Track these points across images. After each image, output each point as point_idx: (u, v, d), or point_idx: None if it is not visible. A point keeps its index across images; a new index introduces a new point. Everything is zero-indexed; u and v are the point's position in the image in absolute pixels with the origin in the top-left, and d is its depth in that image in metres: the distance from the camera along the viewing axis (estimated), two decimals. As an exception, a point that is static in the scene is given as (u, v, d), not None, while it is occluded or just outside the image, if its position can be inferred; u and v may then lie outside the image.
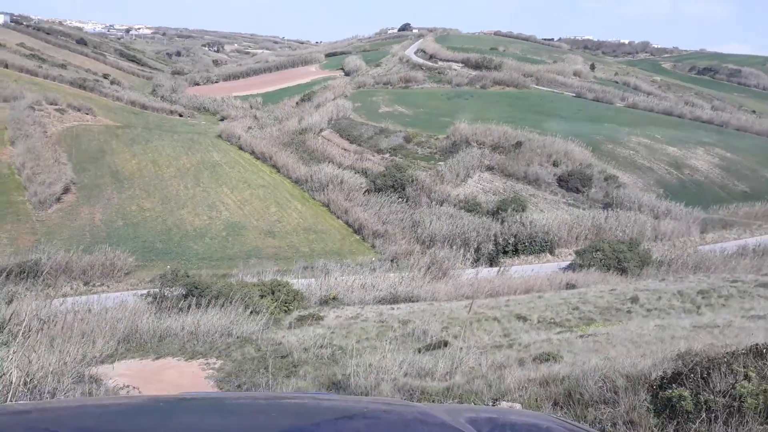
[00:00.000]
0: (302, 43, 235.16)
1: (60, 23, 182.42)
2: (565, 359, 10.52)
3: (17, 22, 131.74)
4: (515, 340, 14.41)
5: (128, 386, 11.79)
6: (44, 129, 54.14)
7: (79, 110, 62.61)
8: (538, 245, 42.17)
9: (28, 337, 14.24)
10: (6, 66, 78.23)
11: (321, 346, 14.72)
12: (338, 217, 47.08)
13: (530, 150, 56.75)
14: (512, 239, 41.20)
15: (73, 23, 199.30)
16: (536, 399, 5.59)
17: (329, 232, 45.04)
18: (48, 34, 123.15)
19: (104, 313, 22.66)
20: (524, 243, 41.59)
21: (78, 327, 18.94)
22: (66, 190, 43.63)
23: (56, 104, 61.11)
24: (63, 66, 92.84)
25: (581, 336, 14.34)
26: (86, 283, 32.60)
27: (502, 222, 42.45)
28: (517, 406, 5.58)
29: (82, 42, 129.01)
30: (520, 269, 37.01)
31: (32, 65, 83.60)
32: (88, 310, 24.52)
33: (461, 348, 13.36)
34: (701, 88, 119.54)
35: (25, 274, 29.78)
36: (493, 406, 5.81)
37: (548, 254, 42.59)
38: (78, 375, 11.34)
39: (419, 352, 13.45)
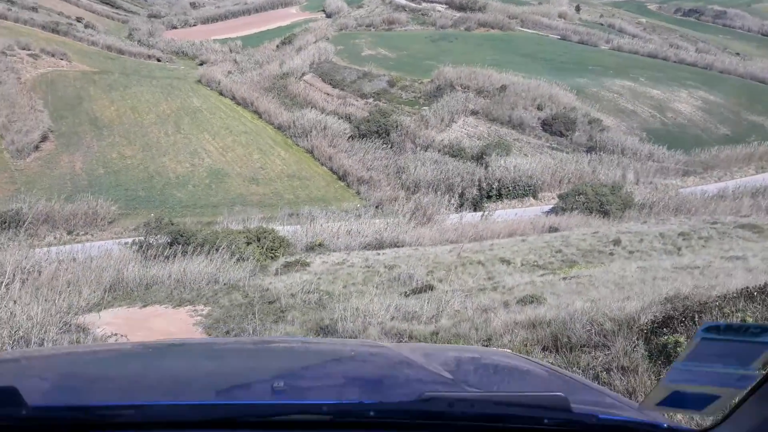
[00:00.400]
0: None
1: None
2: (548, 301, 10.72)
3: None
4: (499, 283, 14.65)
5: (116, 334, 11.87)
6: (18, 75, 52.48)
7: (53, 55, 60.59)
8: (522, 189, 42.40)
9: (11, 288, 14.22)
10: (-27, 9, 75.00)
11: (308, 292, 14.85)
12: (322, 164, 46.75)
13: (515, 94, 56.28)
14: (496, 184, 41.35)
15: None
16: (525, 344, 5.69)
17: (313, 178, 44.82)
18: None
19: (89, 262, 22.60)
20: (508, 188, 41.78)
21: (63, 277, 18.92)
22: (44, 138, 42.71)
23: (29, 49, 59.01)
24: (33, 9, 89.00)
25: (564, 278, 14.60)
26: (70, 233, 32.37)
27: (486, 167, 42.48)
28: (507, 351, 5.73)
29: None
30: (504, 213, 37.32)
31: (1, 8, 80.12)
32: (73, 260, 24.43)
33: (446, 291, 13.57)
34: (686, 30, 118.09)
35: (7, 224, 29.45)
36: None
37: (532, 198, 42.90)
38: (65, 324, 11.39)
39: (405, 296, 13.65)
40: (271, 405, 1.61)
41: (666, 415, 2.09)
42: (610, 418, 1.73)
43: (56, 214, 32.31)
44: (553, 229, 33.16)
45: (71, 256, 25.20)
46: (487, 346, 5.86)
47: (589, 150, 48.17)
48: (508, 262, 17.46)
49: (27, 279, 20.12)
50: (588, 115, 54.11)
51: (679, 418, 3.22)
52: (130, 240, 28.18)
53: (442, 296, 11.70)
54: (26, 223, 30.15)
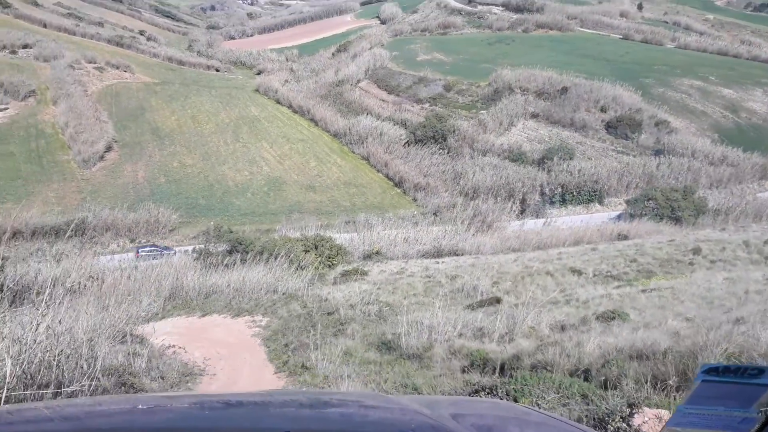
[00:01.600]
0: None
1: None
2: (632, 318, 9.76)
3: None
4: (572, 296, 13.68)
5: (174, 346, 11.58)
6: (84, 88, 54.50)
7: (117, 68, 62.77)
8: (587, 195, 40.77)
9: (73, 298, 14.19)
10: (44, 26, 78.61)
11: (367, 303, 14.27)
12: (378, 171, 46.38)
13: (576, 96, 54.53)
14: (559, 189, 39.89)
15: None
16: (636, 380, 4.80)
17: (370, 185, 44.48)
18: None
19: (150, 270, 22.82)
20: (572, 193, 40.23)
21: (124, 285, 19.04)
22: (108, 149, 44.02)
23: (95, 62, 61.34)
24: (100, 24, 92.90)
25: (643, 290, 13.50)
26: (132, 240, 33.04)
27: (549, 171, 41.08)
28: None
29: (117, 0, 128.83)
30: (568, 220, 35.88)
31: (70, 24, 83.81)
32: (135, 268, 24.78)
33: (515, 305, 12.71)
34: (758, 25, 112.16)
35: (73, 232, 30.29)
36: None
37: (597, 204, 41.21)
38: (123, 335, 11.18)
39: (470, 309, 12.88)
40: None
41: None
42: None
43: (119, 223, 33.05)
44: (622, 237, 31.59)
45: (133, 264, 25.60)
46: (586, 379, 5.03)
47: (657, 153, 45.94)
48: (579, 273, 16.40)
49: (89, 287, 20.40)
50: (654, 116, 51.81)
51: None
52: (190, 248, 28.46)
53: (512, 310, 10.87)
54: (91, 231, 30.96)
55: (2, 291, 21.55)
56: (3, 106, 47.67)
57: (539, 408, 4.36)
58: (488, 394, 4.99)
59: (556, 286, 15.29)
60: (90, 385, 5.23)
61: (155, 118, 52.80)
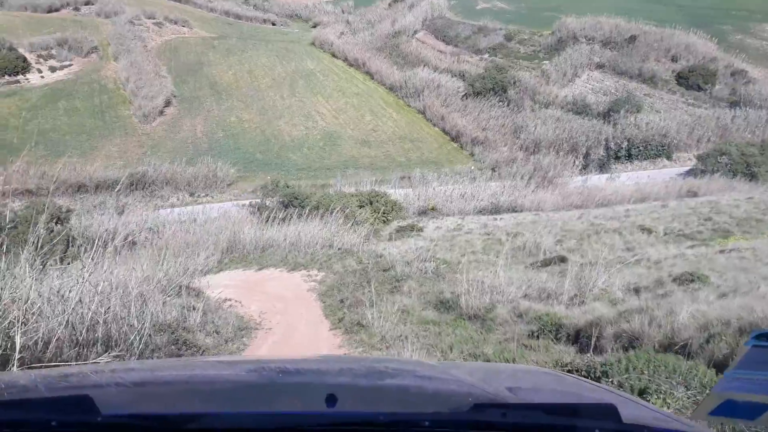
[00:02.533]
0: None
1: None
2: (712, 281, 8.97)
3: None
4: (642, 256, 12.85)
5: (230, 299, 11.55)
6: (144, 43, 55.11)
7: (175, 23, 63.08)
8: (654, 149, 38.72)
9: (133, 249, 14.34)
10: (106, -18, 79.66)
11: (424, 260, 13.86)
12: (434, 125, 45.33)
13: (645, 45, 51.44)
14: (625, 143, 37.97)
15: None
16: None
17: (425, 140, 43.61)
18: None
19: (208, 224, 23.13)
20: (638, 147, 38.27)
21: (182, 238, 19.31)
22: (168, 103, 44.58)
23: (154, 18, 61.80)
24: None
25: (721, 251, 12.54)
26: (191, 194, 33.60)
27: (614, 125, 39.12)
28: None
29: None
30: (634, 176, 34.24)
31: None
32: (194, 221, 25.21)
33: (582, 264, 12.04)
34: None
35: (134, 186, 31.02)
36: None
37: (665, 159, 39.14)
38: (179, 288, 11.18)
39: (533, 267, 12.30)
40: (327, 414, 1.60)
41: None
42: (661, 429, 1.66)
43: (179, 177, 33.58)
44: (691, 194, 29.97)
45: (192, 217, 26.05)
46: (689, 357, 4.43)
47: (732, 105, 43.00)
48: (649, 231, 15.44)
49: (148, 239, 20.83)
50: (731, 66, 48.34)
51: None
52: (247, 202, 28.70)
53: (579, 270, 10.22)
54: (151, 184, 31.59)
55: (68, 244, 22.27)
56: (67, 63, 48.80)
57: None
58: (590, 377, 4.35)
59: (624, 245, 14.46)
60: (140, 343, 5.04)
61: (213, 73, 53.03)
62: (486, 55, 54.10)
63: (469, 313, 8.62)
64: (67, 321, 4.25)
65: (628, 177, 33.76)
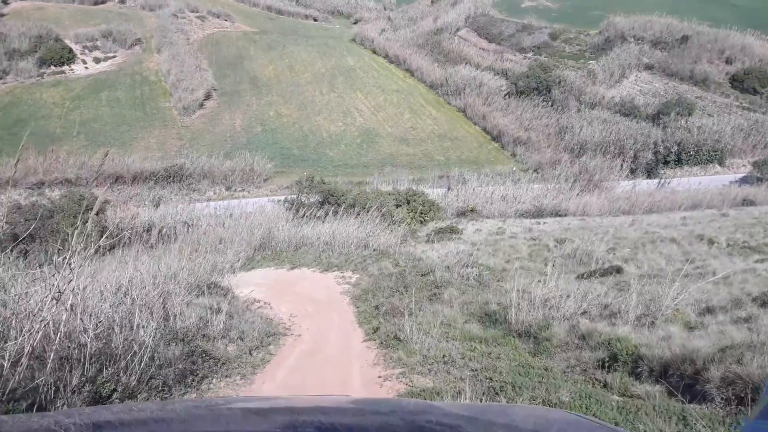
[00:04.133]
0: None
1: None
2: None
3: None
4: (705, 269, 11.74)
5: (259, 301, 10.90)
6: (187, 36, 55.44)
7: (218, 17, 63.40)
8: (706, 155, 36.88)
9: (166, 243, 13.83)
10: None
11: (465, 265, 13.00)
12: (475, 123, 44.26)
13: (698, 46, 49.29)
14: (675, 148, 36.24)
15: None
16: None
17: (465, 139, 42.58)
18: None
19: (243, 219, 22.68)
20: (689, 152, 36.49)
21: (216, 232, 18.85)
22: (208, 96, 44.61)
23: (197, 11, 62.21)
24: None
25: (796, 267, 11.35)
26: (228, 188, 33.34)
27: (664, 128, 37.40)
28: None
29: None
30: (684, 182, 32.60)
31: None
32: (229, 215, 24.82)
33: (639, 275, 11.02)
34: None
35: (171, 178, 30.86)
36: None
37: (717, 165, 37.26)
38: (207, 287, 10.58)
39: (585, 278, 11.30)
40: None
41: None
42: None
43: (216, 170, 33.35)
44: (748, 202, 28.35)
45: (228, 211, 25.66)
46: None
47: (793, 110, 40.80)
48: (710, 242, 14.25)
49: (182, 233, 20.45)
50: (791, 68, 45.97)
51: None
52: (283, 197, 28.20)
53: (638, 283, 9.22)
54: (189, 177, 31.39)
55: (102, 235, 21.99)
56: (111, 54, 49.33)
57: None
58: None
59: (683, 256, 13.32)
60: (144, 358, 4.36)
61: (253, 67, 52.98)
62: (530, 54, 52.68)
63: (519, 329, 7.74)
64: (46, 332, 3.56)
65: (679, 183, 32.18)
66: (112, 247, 18.74)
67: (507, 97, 44.88)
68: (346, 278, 13.59)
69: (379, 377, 6.09)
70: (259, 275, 14.39)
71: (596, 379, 5.12)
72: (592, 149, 35.16)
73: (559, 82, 43.51)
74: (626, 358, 5.14)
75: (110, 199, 26.66)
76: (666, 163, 36.41)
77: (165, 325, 5.92)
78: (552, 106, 42.38)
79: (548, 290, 8.63)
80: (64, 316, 3.67)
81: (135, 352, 4.23)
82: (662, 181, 32.66)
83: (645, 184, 32.24)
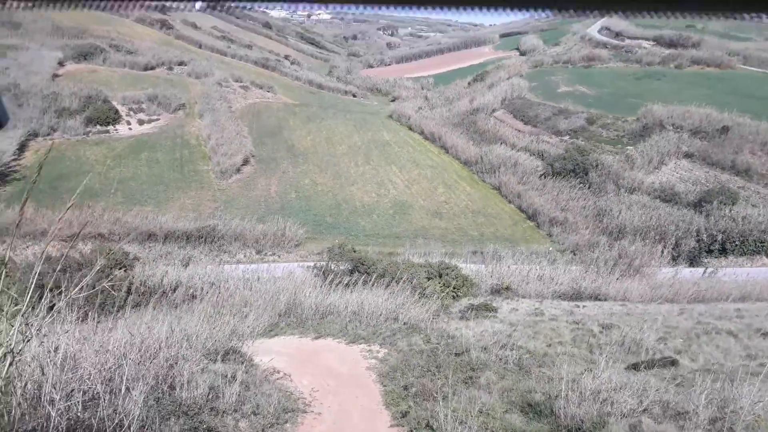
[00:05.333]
0: (476, 25, 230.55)
1: (249, 9, 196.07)
2: None
3: (212, 8, 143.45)
4: (771, 367, 10.58)
5: (279, 372, 10.11)
6: (229, 104, 57.13)
7: (261, 88, 65.50)
8: (752, 245, 35.42)
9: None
10: (200, 46, 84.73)
11: (503, 346, 12.06)
12: (510, 201, 43.74)
13: (739, 136, 48.59)
14: (720, 236, 34.92)
15: (260, 9, 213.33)
16: None
17: (500, 216, 41.96)
18: (238, 18, 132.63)
19: (271, 282, 22.10)
20: (734, 242, 35.11)
21: (241, 295, 18.26)
22: (245, 162, 45.26)
23: (241, 81, 64.44)
24: (249, 47, 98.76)
25: None
26: (258, 252, 33.03)
27: (707, 216, 36.24)
28: None
29: (267, 26, 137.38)
30: (730, 272, 31.09)
31: (222, 45, 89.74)
32: (257, 279, 24.27)
33: (696, 370, 9.96)
34: None
35: (203, 239, 30.72)
36: None
37: (764, 257, 35.68)
38: (225, 353, 9.87)
39: (635, 369, 10.25)
40: None
41: None
42: None
43: (248, 234, 33.17)
44: (800, 297, 26.73)
45: (256, 275, 25.14)
46: None
47: (841, 203, 39.29)
48: (772, 337, 13.08)
49: (208, 293, 19.89)
50: (837, 161, 44.77)
51: None
52: (312, 264, 27.65)
53: (700, 379, 8.21)
54: (220, 239, 31.21)
55: (129, 292, 21.52)
56: (155, 117, 50.91)
57: None
58: None
59: (743, 351, 12.17)
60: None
61: (291, 137, 54.02)
62: (566, 137, 52.61)
63: (569, 424, 6.79)
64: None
65: (724, 273, 30.69)
66: (137, 305, 18.28)
67: (542, 177, 44.48)
68: (373, 352, 12.75)
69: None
70: (281, 343, 13.64)
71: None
72: (631, 233, 34.11)
73: (597, 166, 43.01)
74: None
75: (140, 256, 26.47)
76: (709, 252, 35.04)
77: (169, 396, 5.21)
78: (589, 188, 41.74)
79: (600, 382, 7.68)
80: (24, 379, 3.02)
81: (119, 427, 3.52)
82: (708, 270, 31.25)
83: (689, 273, 30.86)
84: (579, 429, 6.56)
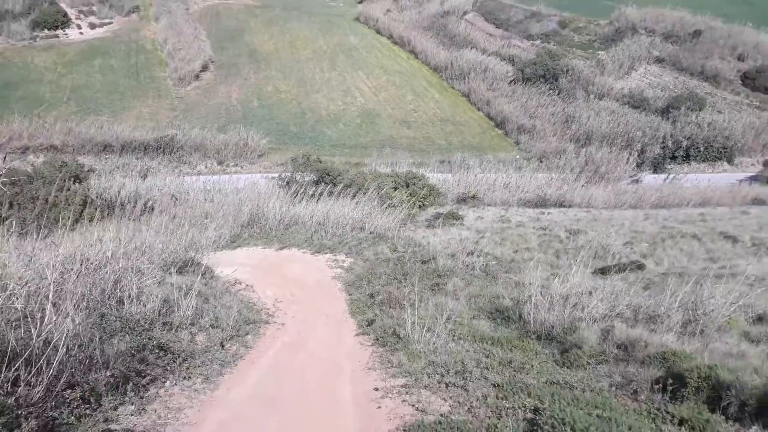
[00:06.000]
0: None
1: None
2: None
3: None
4: (734, 269, 10.69)
5: (240, 283, 9.78)
6: (186, 6, 53.82)
7: (219, -12, 61.60)
8: (714, 152, 35.82)
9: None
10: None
11: (470, 253, 11.92)
12: (479, 109, 43.02)
13: (710, 41, 48.06)
14: (684, 143, 35.15)
15: None
16: None
17: (468, 124, 41.35)
18: None
19: (233, 194, 21.51)
20: (698, 148, 35.43)
21: (203, 207, 17.69)
22: (204, 68, 43.15)
23: (198, -19, 60.41)
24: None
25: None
26: (220, 163, 32.09)
27: (674, 122, 36.28)
28: None
29: None
30: (693, 178, 31.55)
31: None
32: (218, 190, 23.63)
33: (662, 273, 9.97)
34: None
35: (162, 149, 29.57)
36: None
37: (725, 163, 36.23)
38: (183, 264, 9.46)
39: (603, 273, 10.23)
40: None
41: None
42: None
43: (208, 144, 32.04)
44: (758, 202, 27.40)
45: (218, 186, 24.47)
46: None
47: (805, 110, 39.70)
48: (734, 240, 13.23)
49: (168, 206, 19.27)
50: (805, 68, 44.86)
51: None
52: (276, 175, 27.00)
53: (662, 280, 8.17)
54: (179, 149, 30.10)
55: (85, 204, 20.67)
56: (107, 20, 47.75)
57: None
58: None
59: (706, 254, 12.28)
60: (62, 358, 3.25)
61: (253, 41, 51.46)
62: (538, 41, 51.30)
63: (539, 330, 6.65)
64: None
65: (686, 179, 31.12)
66: (92, 219, 17.59)
67: (512, 83, 43.61)
68: (338, 262, 12.50)
69: (376, 390, 4.95)
70: (244, 254, 13.28)
71: (658, 410, 3.98)
72: (598, 140, 34.01)
73: (567, 71, 42.26)
74: (699, 383, 4.01)
75: (96, 168, 25.41)
76: (673, 158, 35.36)
77: (116, 312, 4.78)
78: (558, 94, 41.16)
79: (570, 286, 7.53)
80: None
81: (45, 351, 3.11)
82: (671, 176, 31.60)
83: (652, 179, 31.20)
84: (548, 335, 6.42)
